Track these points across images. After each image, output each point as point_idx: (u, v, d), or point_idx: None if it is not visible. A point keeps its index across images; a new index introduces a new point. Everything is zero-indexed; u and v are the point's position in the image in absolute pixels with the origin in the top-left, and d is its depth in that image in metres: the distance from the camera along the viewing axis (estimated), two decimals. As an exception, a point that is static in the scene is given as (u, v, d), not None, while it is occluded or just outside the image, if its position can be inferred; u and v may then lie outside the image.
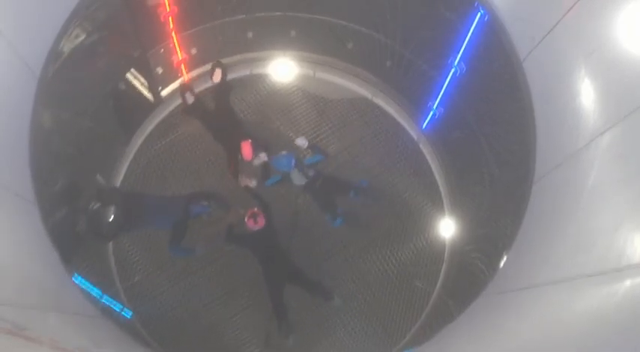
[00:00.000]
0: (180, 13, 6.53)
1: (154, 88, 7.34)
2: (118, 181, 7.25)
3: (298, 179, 6.85)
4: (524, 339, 3.07)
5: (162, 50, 7.07)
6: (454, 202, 7.27)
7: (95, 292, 5.83)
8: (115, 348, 4.50)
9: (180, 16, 6.60)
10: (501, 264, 4.59)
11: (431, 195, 7.51)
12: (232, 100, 7.44)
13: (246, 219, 6.40)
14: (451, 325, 4.65)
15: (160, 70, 7.27)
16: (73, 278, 4.78)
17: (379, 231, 7.38)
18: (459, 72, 6.00)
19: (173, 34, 6.75)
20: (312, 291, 6.84)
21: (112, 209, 5.91)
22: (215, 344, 6.99)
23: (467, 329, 4.38)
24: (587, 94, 3.39)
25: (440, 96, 6.62)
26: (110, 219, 5.92)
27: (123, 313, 6.68)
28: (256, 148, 6.96)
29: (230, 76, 7.32)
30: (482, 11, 4.95)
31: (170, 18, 6.50)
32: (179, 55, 7.09)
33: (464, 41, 5.60)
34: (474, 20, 5.23)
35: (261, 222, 6.36)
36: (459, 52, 5.80)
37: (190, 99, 6.98)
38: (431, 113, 6.99)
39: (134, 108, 7.39)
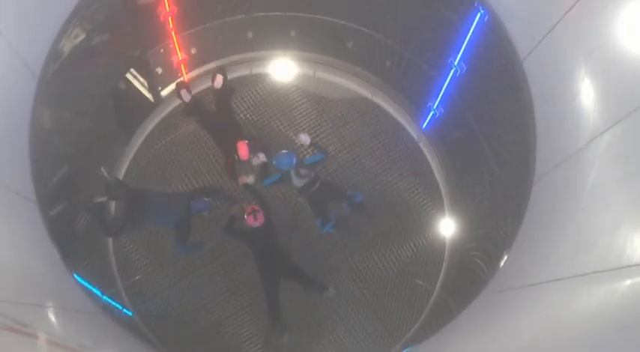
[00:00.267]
0: (180, 13, 6.52)
1: (153, 88, 7.34)
2: (118, 181, 7.24)
3: (297, 179, 6.83)
4: (524, 338, 3.08)
5: (162, 50, 7.07)
6: (454, 201, 7.28)
7: (96, 291, 5.83)
8: (117, 345, 4.52)
9: (180, 16, 6.59)
10: (501, 263, 4.59)
11: (431, 195, 7.52)
12: (233, 102, 7.43)
13: (245, 216, 6.42)
14: (451, 324, 4.66)
15: (159, 70, 7.27)
16: (74, 278, 4.78)
17: (379, 231, 7.39)
18: (459, 72, 6.00)
19: (173, 34, 6.74)
20: (307, 287, 6.85)
21: (116, 203, 5.93)
22: (216, 342, 7.00)
23: (467, 327, 4.39)
24: (587, 94, 3.40)
25: (440, 95, 6.62)
26: (114, 213, 5.95)
27: (124, 311, 6.68)
28: (254, 149, 6.95)
29: (230, 76, 7.29)
30: (482, 11, 4.95)
31: (170, 18, 6.49)
32: (179, 55, 7.08)
33: (464, 41, 5.60)
34: (473, 20, 5.23)
35: (261, 219, 6.37)
36: (459, 52, 5.80)
37: (187, 96, 6.89)
38: (431, 113, 6.99)
39: (134, 108, 7.39)
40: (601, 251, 2.70)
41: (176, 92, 6.90)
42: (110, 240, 7.12)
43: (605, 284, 2.54)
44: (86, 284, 5.41)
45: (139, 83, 7.14)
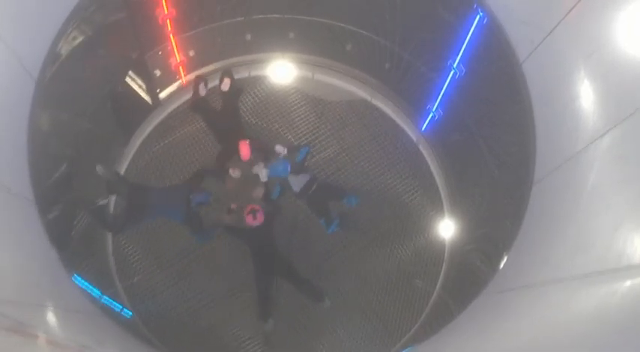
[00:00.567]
0: (178, 16, 6.53)
1: (152, 90, 7.34)
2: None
3: (296, 182, 6.85)
4: (524, 339, 3.08)
5: (161, 52, 7.06)
6: (454, 203, 7.29)
7: (95, 292, 5.83)
8: (116, 346, 4.51)
9: (179, 19, 6.59)
10: (501, 264, 4.60)
11: (430, 197, 7.52)
12: (240, 103, 7.46)
13: (245, 215, 6.43)
14: (451, 324, 4.67)
15: (158, 73, 7.26)
16: (73, 279, 4.78)
17: (379, 232, 7.39)
18: (458, 74, 6.01)
19: (171, 36, 6.74)
20: (302, 291, 6.86)
21: (117, 199, 5.94)
22: (215, 342, 6.99)
23: (467, 328, 4.39)
24: (586, 96, 3.40)
25: (439, 98, 6.62)
26: (115, 210, 5.96)
27: (123, 312, 6.67)
28: (254, 150, 6.97)
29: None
30: (481, 13, 4.96)
31: (168, 20, 6.49)
32: (177, 58, 7.09)
33: (463, 43, 5.61)
34: (473, 22, 5.23)
35: (260, 218, 6.39)
36: (458, 54, 5.80)
37: (203, 90, 6.92)
38: (430, 115, 7.00)
39: (132, 110, 7.38)
40: (601, 252, 2.70)
41: (194, 85, 6.92)
42: (109, 241, 7.12)
43: (604, 285, 2.54)
44: (85, 285, 5.42)
45: (137, 85, 7.14)
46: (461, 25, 5.49)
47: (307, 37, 7.56)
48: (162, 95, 7.56)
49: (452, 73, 6.08)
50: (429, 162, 7.59)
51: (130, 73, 6.94)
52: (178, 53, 7.04)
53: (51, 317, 3.46)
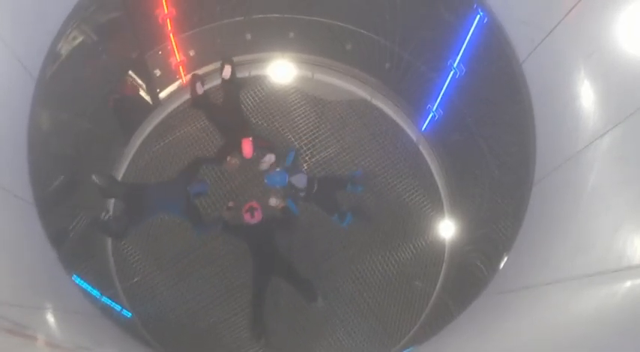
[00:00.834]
0: (178, 15, 6.52)
1: (152, 90, 7.33)
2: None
3: (298, 181, 6.85)
4: (524, 340, 3.07)
5: (161, 52, 7.06)
6: (454, 203, 7.28)
7: (94, 293, 5.82)
8: (115, 347, 4.50)
9: (179, 18, 6.59)
10: (501, 265, 4.59)
11: (430, 197, 7.52)
12: (241, 97, 7.48)
13: (243, 213, 6.43)
14: (451, 325, 4.66)
15: (158, 72, 7.26)
16: (72, 280, 4.77)
17: (379, 232, 7.39)
18: (458, 74, 6.00)
19: (171, 36, 6.74)
20: (298, 290, 6.85)
21: (114, 203, 5.92)
22: (214, 343, 6.99)
23: (466, 329, 4.38)
24: (586, 96, 3.40)
25: (439, 98, 6.61)
26: (115, 215, 5.95)
27: (122, 313, 6.67)
28: (257, 148, 7.00)
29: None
30: (481, 13, 4.95)
31: (168, 20, 6.49)
32: (177, 57, 7.09)
33: (463, 43, 5.60)
34: (473, 22, 5.22)
35: (258, 216, 6.39)
36: (458, 54, 5.79)
37: (200, 89, 6.94)
38: (430, 115, 6.99)
39: (132, 110, 7.38)
40: (601, 252, 2.69)
41: (190, 84, 6.91)
42: (109, 242, 7.12)
43: (605, 286, 2.54)
44: (85, 286, 5.41)
45: (137, 85, 7.13)
46: (461, 25, 5.48)
47: (307, 36, 7.55)
48: (163, 95, 7.56)
49: (452, 72, 6.07)
50: (429, 161, 7.59)
51: (130, 72, 6.94)
52: (178, 53, 7.04)
53: (50, 319, 3.45)
